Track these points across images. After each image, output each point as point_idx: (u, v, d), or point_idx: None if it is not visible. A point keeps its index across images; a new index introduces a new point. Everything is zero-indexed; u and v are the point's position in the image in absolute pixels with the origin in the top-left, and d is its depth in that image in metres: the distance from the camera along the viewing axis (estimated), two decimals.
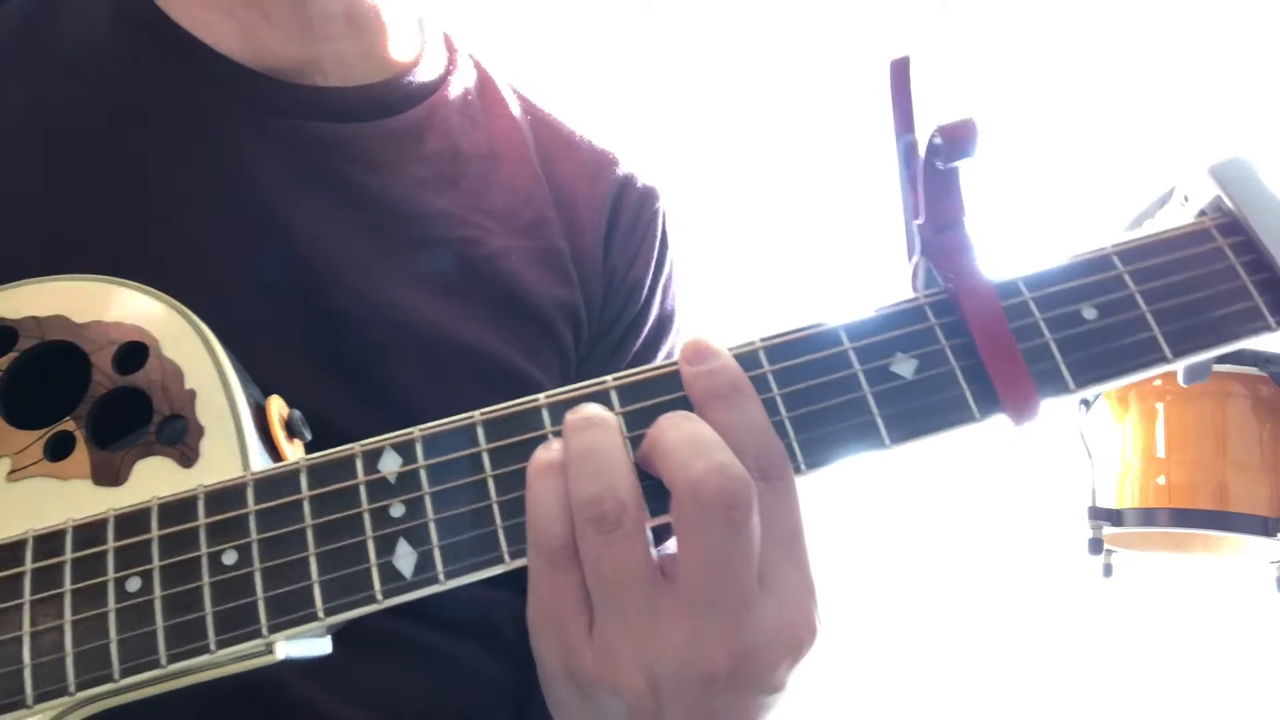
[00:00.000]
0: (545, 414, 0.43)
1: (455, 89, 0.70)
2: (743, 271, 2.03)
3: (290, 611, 0.41)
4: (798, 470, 0.43)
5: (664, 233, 0.75)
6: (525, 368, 0.64)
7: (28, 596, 0.42)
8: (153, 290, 0.50)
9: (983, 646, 2.00)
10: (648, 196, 0.74)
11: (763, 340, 0.44)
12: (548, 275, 0.67)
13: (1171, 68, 1.97)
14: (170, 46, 0.62)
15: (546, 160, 0.71)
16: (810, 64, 2.13)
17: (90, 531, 0.43)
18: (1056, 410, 0.43)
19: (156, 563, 0.42)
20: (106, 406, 0.47)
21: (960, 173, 0.43)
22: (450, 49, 0.72)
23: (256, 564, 0.42)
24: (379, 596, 0.41)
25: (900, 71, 0.45)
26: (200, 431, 0.46)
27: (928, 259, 0.45)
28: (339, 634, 0.45)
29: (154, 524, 0.43)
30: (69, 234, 0.58)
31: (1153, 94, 1.97)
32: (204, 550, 0.42)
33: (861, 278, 1.99)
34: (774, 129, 2.13)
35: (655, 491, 0.41)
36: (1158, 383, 1.47)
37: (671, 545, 0.41)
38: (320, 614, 0.41)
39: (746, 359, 0.44)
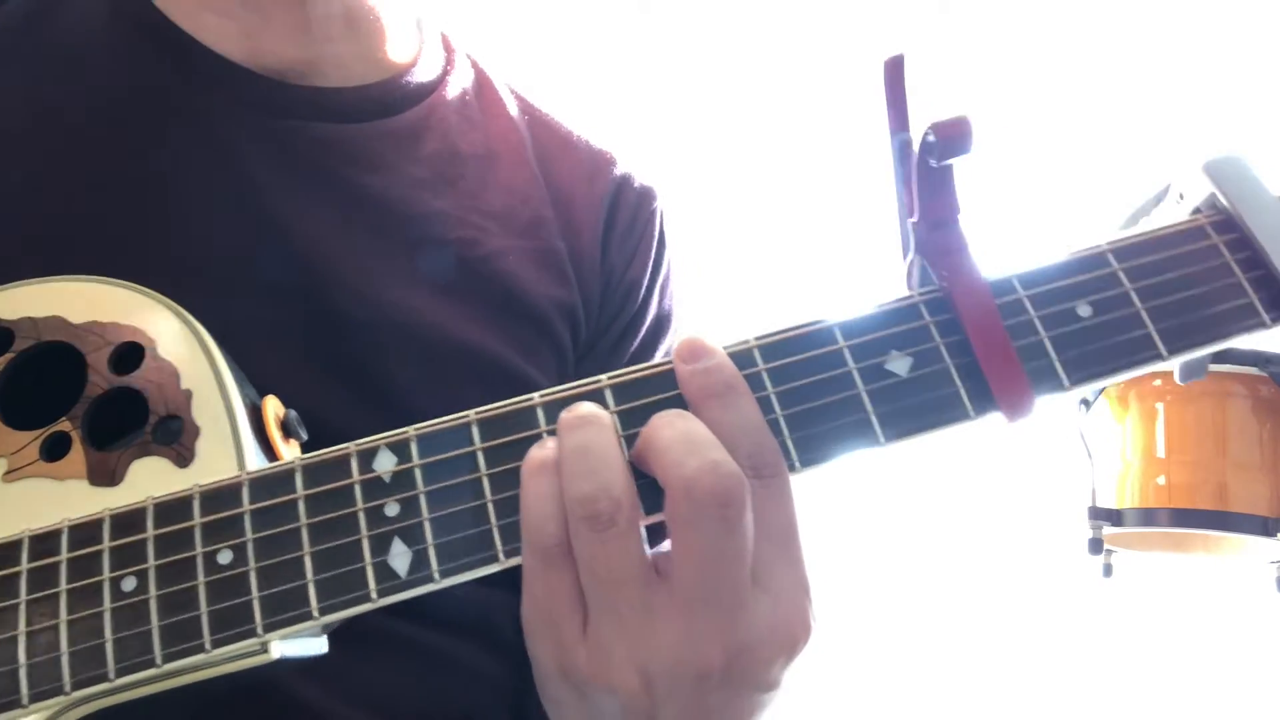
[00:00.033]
0: (540, 413, 0.43)
1: (453, 89, 0.70)
2: (739, 271, 2.03)
3: (285, 610, 0.41)
4: (792, 468, 0.43)
5: (661, 232, 0.75)
6: (523, 367, 0.64)
7: (23, 596, 0.42)
8: (149, 291, 0.50)
9: (982, 646, 2.00)
10: (645, 196, 0.74)
11: (757, 339, 0.44)
12: (545, 275, 0.67)
13: (1169, 67, 1.98)
14: (169, 47, 0.62)
15: (544, 160, 0.71)
16: (810, 64, 2.13)
17: (86, 531, 0.43)
18: (1051, 408, 0.43)
19: (152, 562, 0.42)
20: (102, 407, 0.47)
21: (954, 171, 0.43)
22: (448, 49, 0.72)
23: (251, 563, 0.42)
24: (374, 595, 0.41)
25: (894, 70, 0.45)
26: (196, 432, 0.46)
27: (922, 257, 0.45)
28: (336, 634, 0.45)
29: (149, 523, 0.43)
30: (67, 234, 0.58)
31: (1150, 93, 1.97)
32: (199, 550, 0.42)
33: (856, 276, 2.00)
34: (773, 129, 2.13)
35: (649, 490, 0.41)
36: (1158, 383, 1.47)
37: (668, 545, 0.41)
38: (315, 613, 0.41)
39: (741, 357, 0.44)
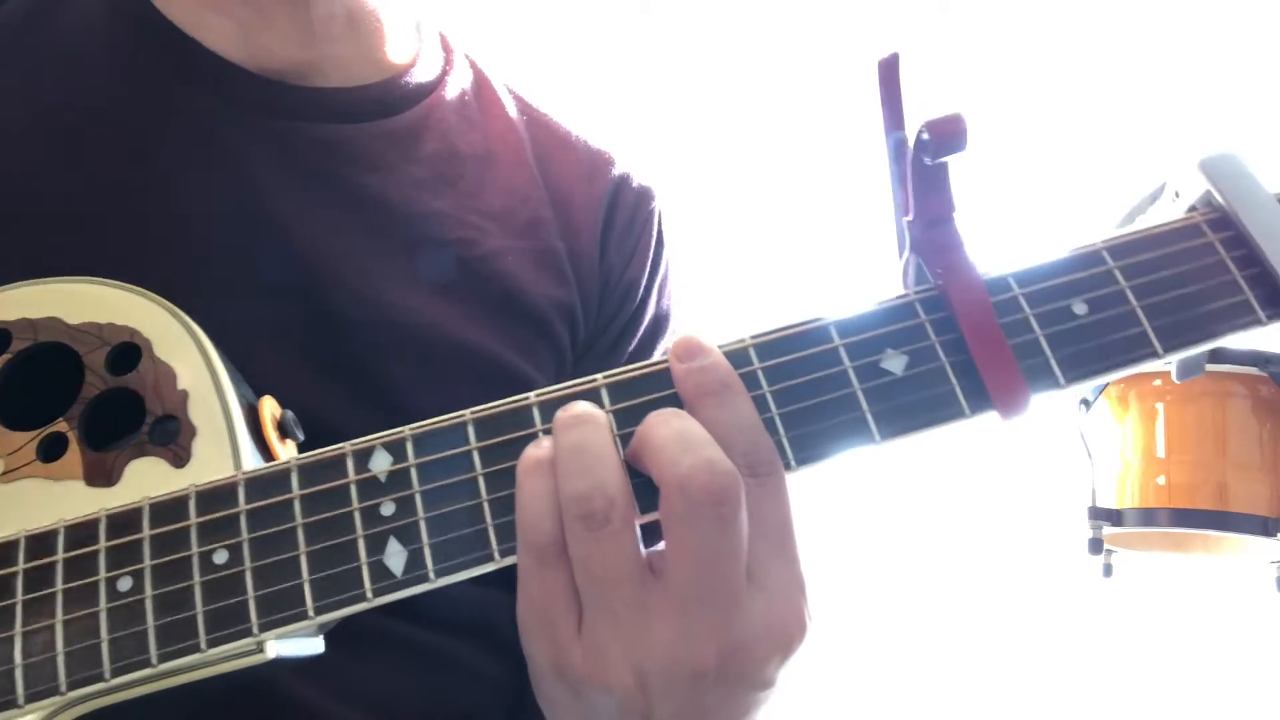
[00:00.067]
0: (536, 412, 0.43)
1: (452, 90, 0.70)
2: (737, 270, 2.03)
3: (280, 610, 0.41)
4: (788, 467, 0.43)
5: (660, 232, 0.75)
6: (522, 367, 0.65)
7: (20, 596, 0.42)
8: (146, 292, 0.50)
9: (982, 646, 1.99)
10: (644, 196, 0.74)
11: (753, 337, 0.44)
12: (544, 275, 0.67)
13: (1166, 66, 1.98)
14: (168, 47, 0.62)
15: (543, 160, 0.71)
16: (809, 64, 2.13)
17: (82, 531, 0.43)
18: (1046, 406, 0.43)
19: (148, 562, 0.42)
20: (99, 407, 0.48)
21: (949, 169, 0.43)
22: (447, 50, 0.72)
23: (247, 563, 0.42)
24: (369, 595, 0.41)
25: (889, 69, 0.45)
26: (193, 432, 0.46)
27: (917, 255, 0.45)
28: (334, 634, 0.45)
29: (145, 524, 0.43)
30: (65, 234, 0.58)
31: (1147, 92, 1.97)
32: (195, 550, 0.42)
33: (852, 274, 1.99)
34: (772, 129, 2.13)
35: (645, 489, 0.41)
36: (1157, 383, 1.47)
37: (663, 545, 0.41)
38: (310, 612, 0.41)
39: (737, 356, 0.44)
